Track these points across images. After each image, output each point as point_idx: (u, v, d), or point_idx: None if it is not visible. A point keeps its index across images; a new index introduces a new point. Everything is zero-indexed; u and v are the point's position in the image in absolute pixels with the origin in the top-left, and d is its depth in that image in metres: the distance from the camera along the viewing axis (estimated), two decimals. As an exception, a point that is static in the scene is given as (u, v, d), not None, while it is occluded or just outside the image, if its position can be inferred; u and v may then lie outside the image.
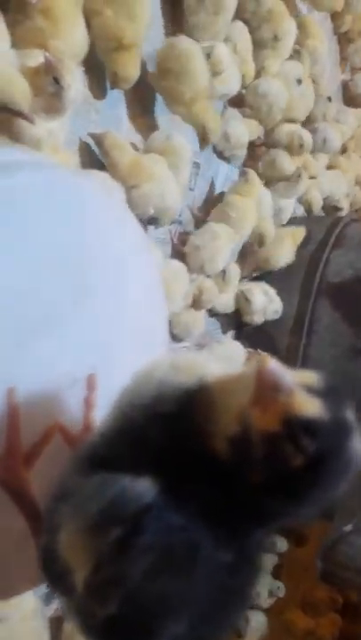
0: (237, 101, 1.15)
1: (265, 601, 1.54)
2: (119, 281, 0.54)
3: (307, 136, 1.26)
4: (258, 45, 1.15)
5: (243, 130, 1.14)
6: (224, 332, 1.31)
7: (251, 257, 1.33)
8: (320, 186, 1.42)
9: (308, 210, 1.38)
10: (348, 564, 0.96)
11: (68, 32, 0.69)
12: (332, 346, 1.29)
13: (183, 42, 0.88)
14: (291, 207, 1.27)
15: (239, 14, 1.07)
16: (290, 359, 1.29)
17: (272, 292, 1.29)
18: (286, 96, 1.19)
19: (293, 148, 1.25)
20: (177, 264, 1.04)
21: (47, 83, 0.60)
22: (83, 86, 0.81)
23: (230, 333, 1.33)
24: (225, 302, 1.22)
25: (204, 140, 0.96)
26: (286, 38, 1.17)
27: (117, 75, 0.81)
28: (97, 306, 0.52)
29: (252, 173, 1.10)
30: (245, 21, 1.10)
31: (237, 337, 1.33)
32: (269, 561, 1.51)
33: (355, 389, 1.26)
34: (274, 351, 1.29)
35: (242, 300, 1.26)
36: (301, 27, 1.28)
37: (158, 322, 0.61)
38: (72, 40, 0.70)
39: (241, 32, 1.08)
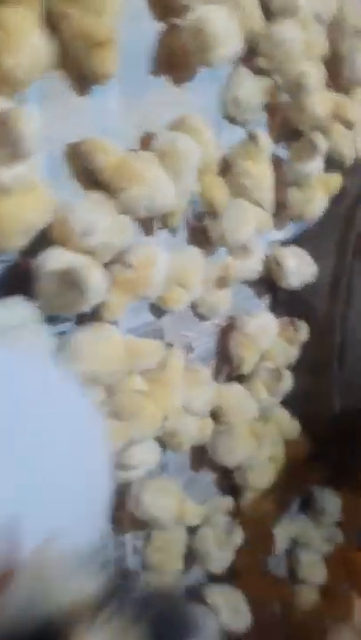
0: (247, 57, 1.06)
1: (323, 546, 1.56)
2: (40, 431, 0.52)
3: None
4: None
5: (254, 91, 1.05)
6: (259, 297, 1.28)
7: (281, 212, 1.27)
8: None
9: (340, 162, 1.28)
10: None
11: (24, 45, 0.65)
12: (373, 309, 1.23)
13: (192, 119, 0.91)
14: (317, 167, 1.18)
15: None
16: (327, 325, 1.25)
17: (305, 254, 1.23)
18: (303, 38, 1.08)
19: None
20: (193, 250, 1.01)
21: (1, 134, 0.57)
22: (60, 92, 0.77)
23: (265, 300, 1.29)
24: (252, 269, 1.17)
25: (209, 210, 0.97)
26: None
27: (95, 72, 0.77)
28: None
29: (261, 135, 1.03)
30: None
31: (273, 303, 1.29)
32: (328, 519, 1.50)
33: None
34: (311, 317, 1.25)
35: (273, 265, 1.21)
36: None
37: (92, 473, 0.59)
38: (30, 54, 0.66)
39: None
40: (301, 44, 1.06)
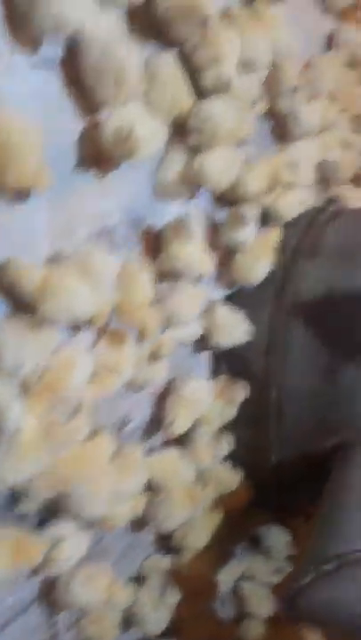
0: (178, 136, 1.07)
1: (271, 579, 1.62)
2: None
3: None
4: (198, 67, 1.05)
5: (185, 170, 1.06)
6: (197, 354, 1.30)
7: (225, 273, 1.29)
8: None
9: (279, 219, 1.31)
10: (312, 618, 0.99)
11: None
12: (309, 366, 1.25)
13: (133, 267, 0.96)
14: (251, 233, 1.20)
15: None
16: (264, 381, 1.28)
17: (238, 313, 1.24)
18: (234, 116, 1.09)
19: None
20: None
21: None
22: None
23: (204, 357, 1.31)
24: (191, 334, 1.20)
25: (141, 336, 1.00)
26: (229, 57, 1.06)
27: (23, 189, 0.78)
28: None
29: (191, 223, 1.04)
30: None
31: (212, 360, 1.32)
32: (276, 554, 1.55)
33: (331, 411, 1.26)
34: (248, 375, 1.28)
35: (209, 316, 1.22)
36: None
37: None
38: None
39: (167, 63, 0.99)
40: (229, 121, 1.07)
